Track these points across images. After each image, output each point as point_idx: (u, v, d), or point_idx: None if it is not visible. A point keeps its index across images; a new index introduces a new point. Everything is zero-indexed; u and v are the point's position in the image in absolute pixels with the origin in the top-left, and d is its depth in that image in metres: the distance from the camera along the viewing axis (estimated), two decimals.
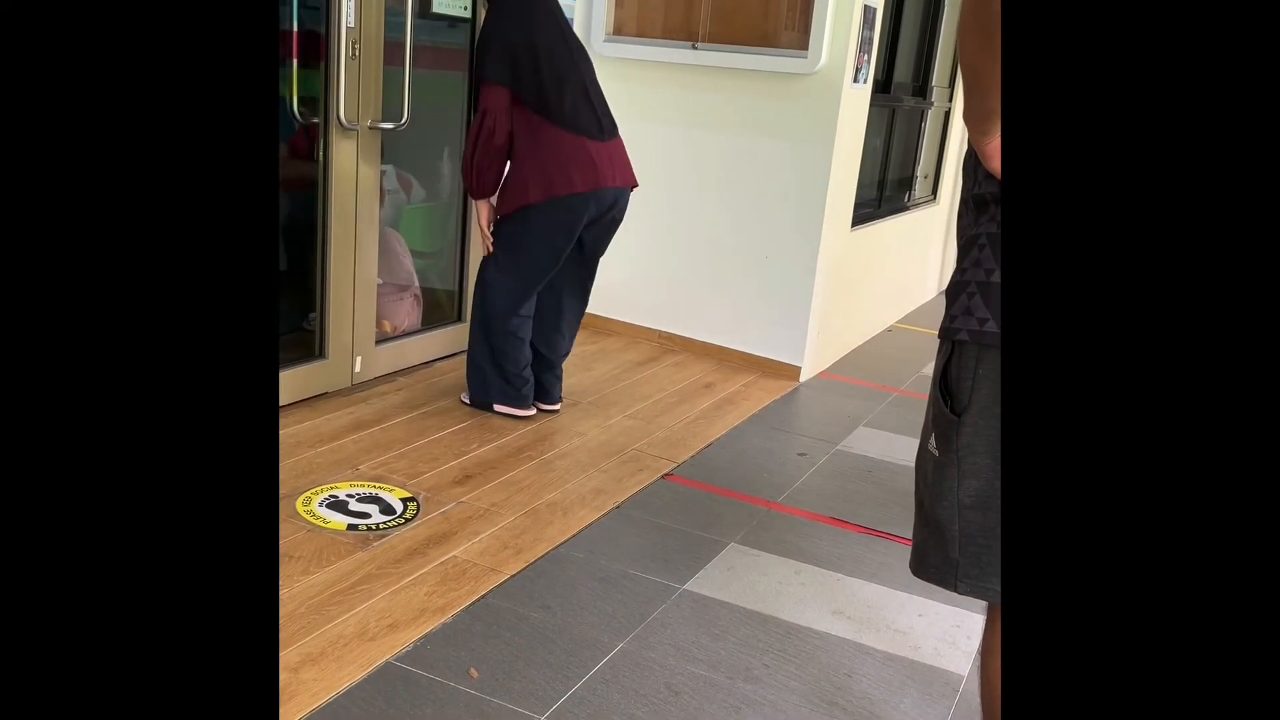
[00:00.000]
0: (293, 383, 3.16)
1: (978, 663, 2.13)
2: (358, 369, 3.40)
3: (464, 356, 3.87)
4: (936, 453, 1.40)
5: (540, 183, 2.97)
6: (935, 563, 1.44)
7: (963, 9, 1.27)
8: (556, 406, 3.39)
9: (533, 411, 3.30)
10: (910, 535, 2.78)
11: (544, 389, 3.35)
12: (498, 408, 3.27)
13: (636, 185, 3.18)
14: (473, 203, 3.25)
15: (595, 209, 3.05)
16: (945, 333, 1.38)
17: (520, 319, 3.18)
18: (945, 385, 1.38)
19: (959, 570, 1.40)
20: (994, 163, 1.33)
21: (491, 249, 3.14)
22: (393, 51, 3.23)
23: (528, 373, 3.25)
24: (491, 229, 3.13)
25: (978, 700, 2.02)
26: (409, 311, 3.69)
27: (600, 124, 3.05)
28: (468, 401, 3.32)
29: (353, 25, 3.07)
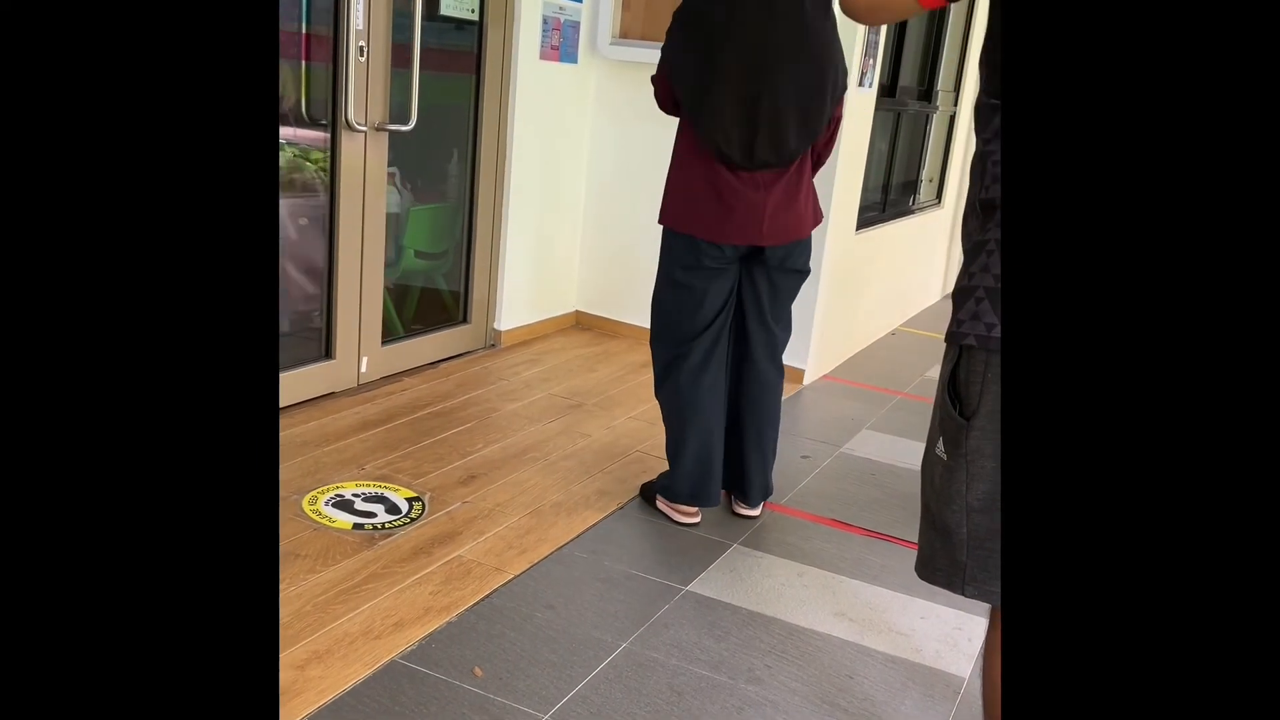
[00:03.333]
0: (299, 382, 3.18)
1: (979, 665, 2.14)
2: (364, 369, 3.42)
3: (468, 357, 3.90)
4: (945, 457, 1.40)
5: (672, 205, 2.53)
6: (942, 566, 1.45)
7: None
8: (749, 511, 2.76)
9: (696, 518, 2.68)
10: (912, 538, 2.79)
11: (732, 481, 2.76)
12: (659, 503, 2.72)
13: (797, 239, 2.52)
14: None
15: (732, 255, 2.52)
16: (952, 337, 1.39)
17: (677, 364, 2.59)
18: (953, 389, 1.39)
19: (966, 574, 1.41)
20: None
21: None
22: (400, 54, 3.25)
23: (696, 456, 2.61)
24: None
25: (978, 702, 2.04)
26: None
27: (754, 150, 2.40)
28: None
29: (361, 27, 3.09)
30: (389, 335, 3.56)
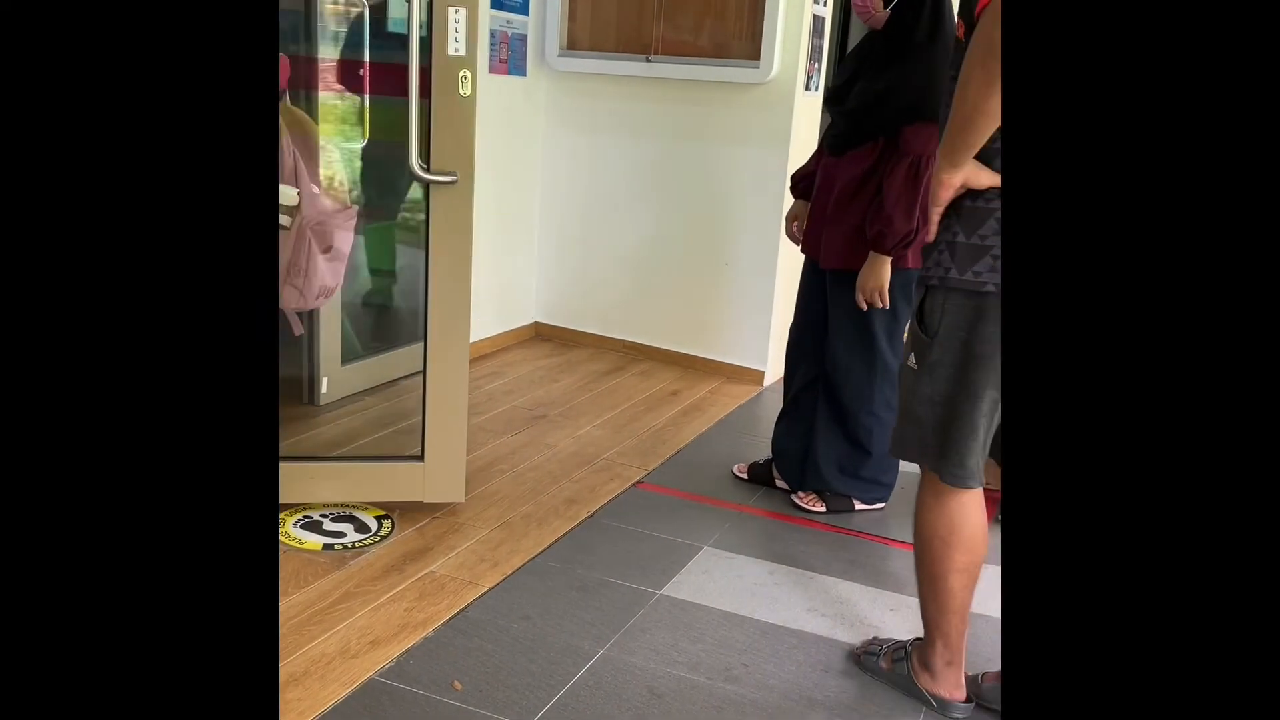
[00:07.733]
0: None
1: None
2: (324, 390, 3.40)
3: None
4: (914, 366, 1.82)
5: (920, 244, 2.51)
6: (913, 445, 1.86)
7: (969, 58, 1.57)
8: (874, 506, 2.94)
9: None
10: (879, 534, 2.84)
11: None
12: (861, 505, 2.91)
13: None
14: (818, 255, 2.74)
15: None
16: (921, 280, 1.81)
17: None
18: (920, 316, 1.81)
19: (933, 452, 1.83)
20: (944, 193, 1.70)
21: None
22: (350, 71, 3.24)
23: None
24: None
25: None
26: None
27: None
28: (822, 509, 2.90)
29: (463, 53, 2.49)
30: (348, 355, 3.54)
